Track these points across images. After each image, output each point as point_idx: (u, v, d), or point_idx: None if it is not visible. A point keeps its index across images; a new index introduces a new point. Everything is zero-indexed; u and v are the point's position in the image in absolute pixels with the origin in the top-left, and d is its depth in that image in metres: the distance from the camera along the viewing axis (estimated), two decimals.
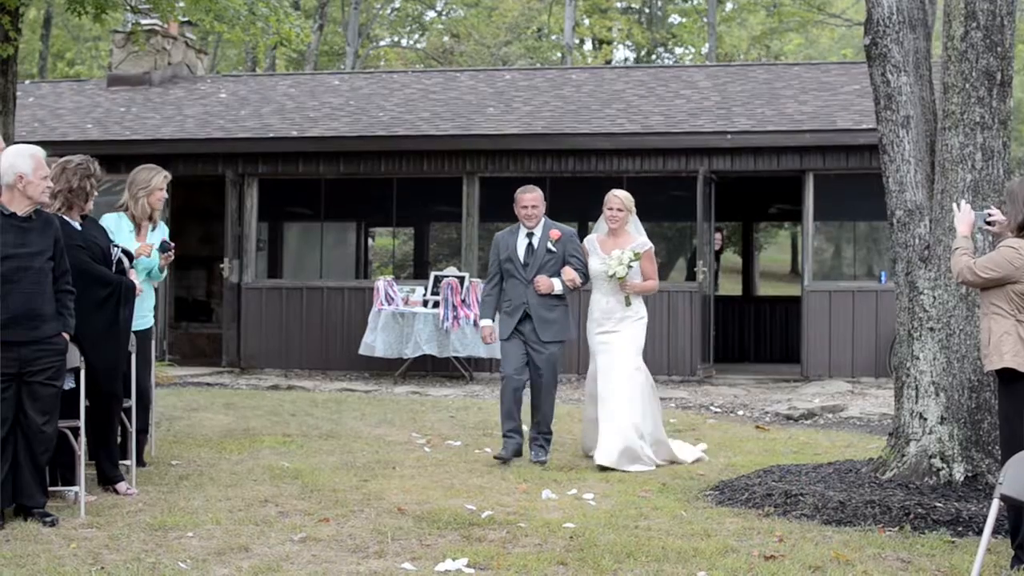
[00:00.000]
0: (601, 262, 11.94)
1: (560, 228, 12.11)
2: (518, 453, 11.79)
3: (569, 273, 11.89)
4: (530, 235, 12.08)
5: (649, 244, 12.10)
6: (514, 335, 11.95)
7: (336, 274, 24.39)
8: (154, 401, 12.04)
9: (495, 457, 11.69)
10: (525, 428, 12.17)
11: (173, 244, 11.35)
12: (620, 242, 11.98)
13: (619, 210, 12.03)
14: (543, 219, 12.12)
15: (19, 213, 8.84)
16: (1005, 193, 8.35)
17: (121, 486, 9.91)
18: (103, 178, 10.49)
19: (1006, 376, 7.95)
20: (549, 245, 11.98)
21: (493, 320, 12.20)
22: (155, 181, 11.28)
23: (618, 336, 11.92)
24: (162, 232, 11.38)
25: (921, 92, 10.29)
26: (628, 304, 11.95)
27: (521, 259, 12.02)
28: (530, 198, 12.07)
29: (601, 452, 11.52)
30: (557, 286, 11.91)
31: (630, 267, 11.81)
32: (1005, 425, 8.05)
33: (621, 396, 11.71)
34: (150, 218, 11.29)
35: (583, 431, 12.47)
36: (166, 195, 11.40)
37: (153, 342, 11.70)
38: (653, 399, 12.10)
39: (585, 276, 12.02)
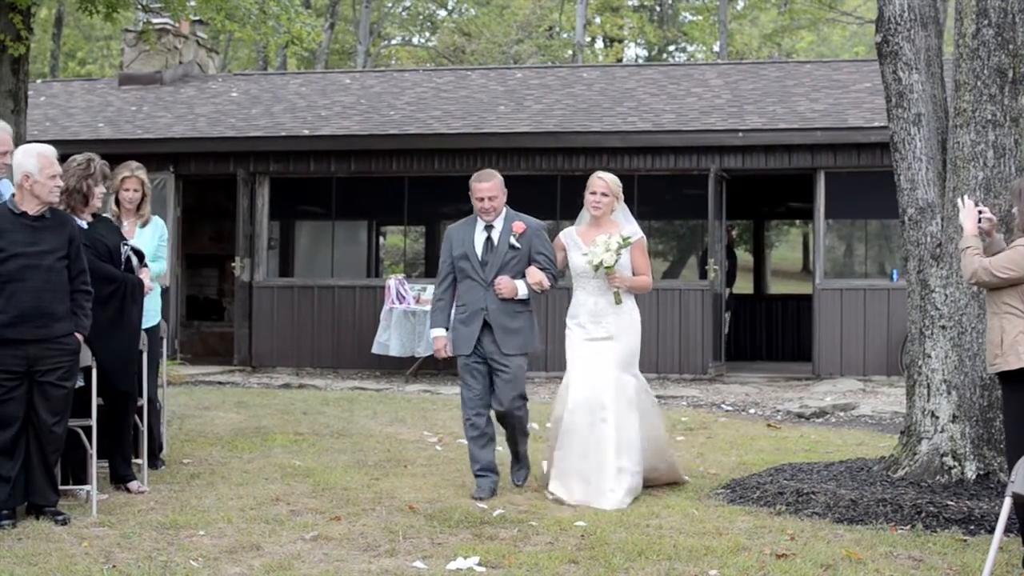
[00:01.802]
0: (584, 254, 10.15)
1: (525, 220, 10.18)
2: (495, 492, 9.98)
3: (535, 275, 10.03)
4: (489, 228, 10.14)
5: (641, 233, 10.32)
6: (474, 354, 10.04)
7: (347, 273, 24.37)
8: (164, 400, 12.05)
9: (473, 497, 9.79)
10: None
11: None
12: (605, 232, 10.16)
13: (604, 195, 10.24)
14: (504, 210, 10.18)
15: (30, 212, 8.87)
16: (1011, 191, 8.32)
17: (133, 484, 9.93)
18: (111, 176, 10.52)
19: (1019, 376, 7.88)
20: (512, 240, 10.05)
21: (447, 329, 10.28)
22: (115, 182, 11.25)
23: (612, 345, 10.11)
24: (154, 229, 11.33)
25: (933, 90, 10.27)
26: (618, 302, 10.13)
27: (479, 256, 10.08)
28: (487, 188, 10.06)
29: (591, 490, 9.78)
30: (522, 289, 10.03)
31: (619, 255, 10.00)
32: (1014, 425, 8.00)
33: (613, 420, 9.92)
34: (138, 212, 11.23)
35: (550, 463, 10.31)
36: (136, 193, 11.18)
37: (165, 340, 11.70)
38: (654, 413, 10.47)
39: (554, 277, 10.20)
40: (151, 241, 11.14)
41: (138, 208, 11.24)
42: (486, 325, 10.02)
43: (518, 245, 10.07)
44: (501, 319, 10.02)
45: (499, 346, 10.00)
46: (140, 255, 10.23)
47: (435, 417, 14.88)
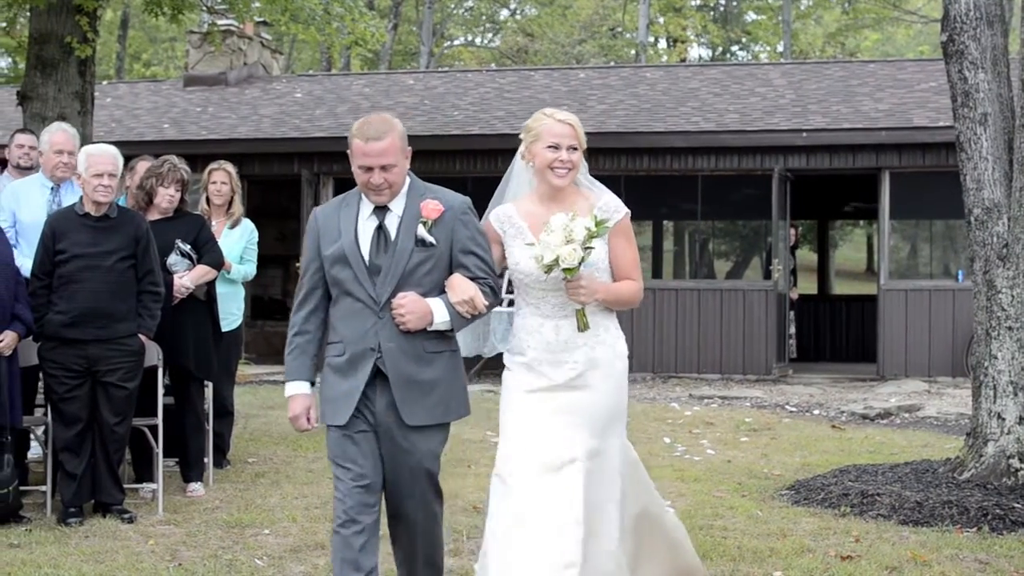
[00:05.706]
0: (528, 243, 6.14)
1: (443, 197, 6.11)
2: None
3: (463, 288, 6.04)
4: (382, 211, 6.06)
5: (625, 209, 6.18)
6: (354, 423, 5.96)
7: None
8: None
9: None
10: None
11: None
12: (567, 208, 6.07)
13: (572, 148, 6.09)
14: (408, 181, 6.16)
15: (92, 212, 8.95)
16: None
17: (191, 486, 9.94)
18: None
19: None
20: (421, 231, 5.97)
21: (313, 385, 6.12)
22: (204, 177, 11.35)
23: (584, 399, 6.17)
24: (242, 232, 11.34)
25: (999, 89, 10.19)
26: (584, 328, 6.08)
27: (365, 259, 5.98)
28: (378, 150, 6.08)
29: None
30: (439, 314, 6.02)
31: (587, 250, 5.88)
32: None
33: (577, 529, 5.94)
34: (228, 211, 11.27)
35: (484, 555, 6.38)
36: (224, 186, 11.18)
37: (239, 345, 11.79)
38: (643, 492, 6.46)
39: (494, 291, 6.25)
40: (238, 243, 11.18)
41: (228, 206, 11.26)
42: (378, 376, 5.97)
43: (431, 240, 6.00)
44: (404, 366, 6.00)
45: (399, 413, 6.00)
46: (189, 257, 9.98)
47: (498, 417, 14.84)
